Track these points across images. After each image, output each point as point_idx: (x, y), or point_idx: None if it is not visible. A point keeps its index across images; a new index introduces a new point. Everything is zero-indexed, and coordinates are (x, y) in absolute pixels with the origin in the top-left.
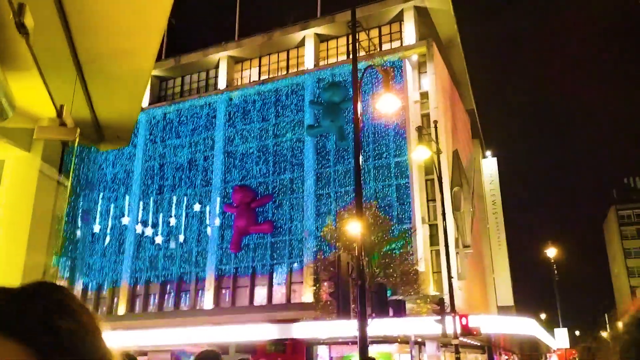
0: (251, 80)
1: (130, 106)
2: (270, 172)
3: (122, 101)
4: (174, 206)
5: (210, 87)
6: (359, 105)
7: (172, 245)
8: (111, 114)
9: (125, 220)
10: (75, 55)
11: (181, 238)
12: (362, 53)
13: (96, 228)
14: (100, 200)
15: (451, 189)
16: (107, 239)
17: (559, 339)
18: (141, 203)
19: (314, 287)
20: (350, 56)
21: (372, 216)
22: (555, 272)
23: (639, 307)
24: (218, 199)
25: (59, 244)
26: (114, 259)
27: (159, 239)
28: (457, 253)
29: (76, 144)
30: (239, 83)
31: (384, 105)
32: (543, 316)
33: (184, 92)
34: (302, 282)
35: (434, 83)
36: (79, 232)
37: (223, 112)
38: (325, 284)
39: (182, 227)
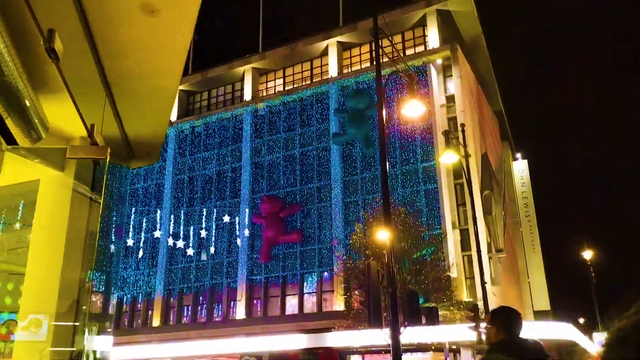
0: (276, 91)
1: (159, 123)
2: (298, 181)
3: (150, 119)
4: (204, 218)
5: (236, 99)
6: (384, 112)
7: (204, 257)
8: (140, 131)
9: (158, 234)
10: (104, 77)
11: (212, 250)
12: (385, 59)
13: (130, 242)
14: (132, 215)
15: (481, 192)
16: (140, 252)
17: (598, 343)
18: (172, 216)
19: (345, 296)
20: (374, 63)
21: (401, 223)
22: (593, 274)
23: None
24: (247, 210)
25: (94, 259)
26: (147, 272)
27: (190, 251)
28: (489, 258)
29: (107, 162)
30: (264, 94)
31: (410, 110)
32: (582, 320)
33: (211, 105)
34: (332, 291)
35: (459, 86)
36: (112, 247)
37: (249, 124)
38: (356, 292)
39: (213, 238)
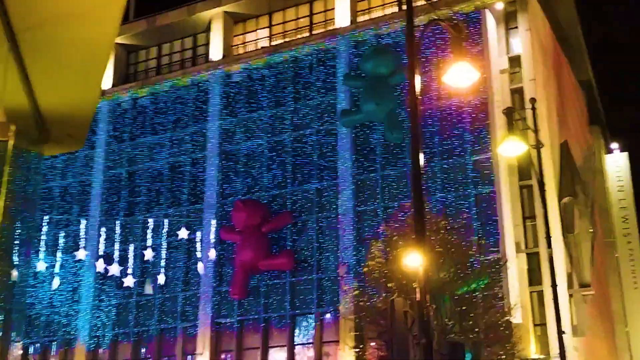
0: (258, 48)
1: (86, 90)
2: (289, 180)
3: (73, 84)
4: (149, 233)
5: (200, 59)
6: (418, 80)
7: (148, 289)
8: (59, 103)
9: (81, 254)
10: (6, 21)
11: (161, 279)
12: (420, 2)
13: (40, 266)
14: (45, 226)
15: (559, 200)
16: (56, 281)
17: None
18: (103, 229)
19: (357, 350)
20: (403, 8)
21: (440, 242)
22: None
23: None
24: (213, 222)
25: None
26: (65, 310)
27: (128, 281)
28: (570, 296)
29: (10, 147)
30: (241, 52)
31: (455, 78)
32: None
33: (162, 67)
34: (337, 342)
35: (528, 43)
36: (15, 273)
37: (218, 95)
38: (373, 343)
39: (162, 262)
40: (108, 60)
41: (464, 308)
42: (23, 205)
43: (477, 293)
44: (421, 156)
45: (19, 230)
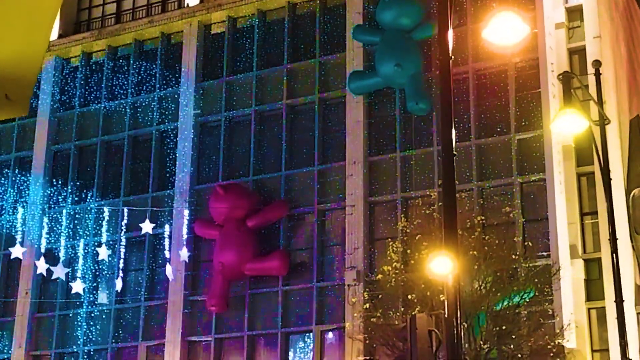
0: None
1: (30, 41)
2: (282, 160)
3: (13, 30)
4: (104, 226)
5: (171, 5)
6: (450, 35)
7: (103, 298)
8: None
9: (17, 252)
10: None
11: (118, 284)
12: None
13: None
14: None
15: (627, 192)
16: None
17: None
18: (45, 220)
19: None
20: None
21: (475, 244)
22: None
23: None
24: (186, 212)
25: None
26: None
27: (77, 286)
28: (638, 314)
29: None
30: None
31: (498, 33)
32: None
33: (123, 14)
34: None
35: None
36: None
37: (195, 53)
38: None
39: (121, 264)
40: (59, 3)
41: (503, 327)
42: None
43: (520, 309)
44: (453, 133)
45: None
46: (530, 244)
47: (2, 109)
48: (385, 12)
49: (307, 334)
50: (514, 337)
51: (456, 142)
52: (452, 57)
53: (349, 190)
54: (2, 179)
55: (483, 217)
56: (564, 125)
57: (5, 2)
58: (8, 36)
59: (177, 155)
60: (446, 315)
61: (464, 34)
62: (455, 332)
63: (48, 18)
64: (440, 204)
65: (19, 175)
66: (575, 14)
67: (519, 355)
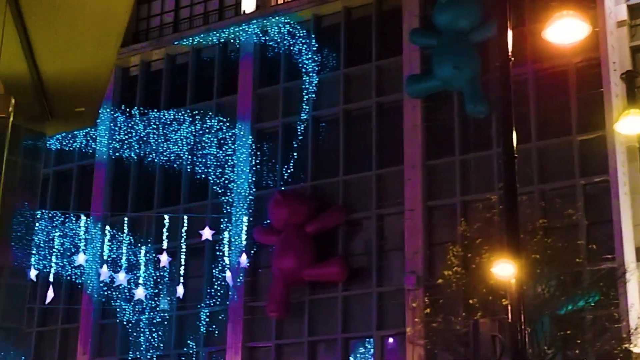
0: None
1: (99, 55)
2: (340, 166)
3: (83, 46)
4: (165, 233)
5: (228, 11)
6: (510, 36)
7: (164, 304)
8: (65, 70)
9: (81, 259)
10: None
11: (179, 291)
12: None
13: (31, 273)
14: (36, 224)
15: None
16: (50, 293)
17: None
18: (107, 228)
19: None
20: None
21: (537, 247)
22: None
23: None
24: (245, 219)
25: None
26: (62, 329)
27: (139, 293)
28: None
29: (9, 125)
30: (280, 1)
31: (558, 33)
32: None
33: (180, 23)
34: None
35: None
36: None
37: (252, 57)
38: None
39: (180, 270)
40: (128, 15)
41: (568, 332)
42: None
43: (585, 313)
44: (514, 135)
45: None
46: (594, 246)
47: (73, 122)
48: (442, 14)
49: (368, 340)
50: (578, 341)
51: (516, 144)
52: (512, 58)
53: (407, 195)
54: (64, 187)
55: (545, 220)
56: (628, 126)
57: (74, 21)
58: (77, 52)
59: (235, 161)
60: (509, 320)
61: (523, 35)
62: (519, 337)
63: (116, 32)
64: (500, 207)
65: (81, 184)
66: (637, 11)
67: (586, 359)
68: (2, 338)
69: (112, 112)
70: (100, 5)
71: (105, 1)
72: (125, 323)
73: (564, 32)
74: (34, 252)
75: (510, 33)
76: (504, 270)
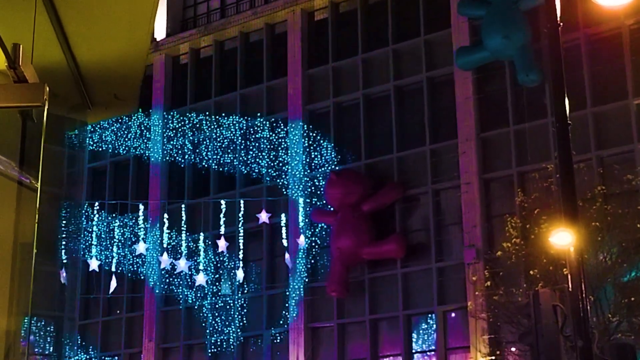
0: None
1: (132, 38)
2: (394, 141)
3: (117, 31)
4: (222, 218)
5: None
6: (558, 0)
7: (226, 288)
8: (101, 56)
9: (142, 248)
10: None
11: (239, 275)
12: None
13: (93, 264)
14: (96, 215)
15: None
16: (113, 282)
17: None
18: (165, 216)
19: (493, 358)
20: None
21: (597, 215)
22: None
23: None
24: (301, 200)
25: (29, 294)
26: (125, 317)
27: (200, 279)
28: None
29: (45, 113)
30: None
31: None
32: None
33: (227, 8)
34: (467, 347)
35: None
36: (63, 273)
37: (299, 42)
38: (513, 349)
39: (239, 254)
40: None
41: (632, 299)
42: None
43: None
44: (566, 103)
45: (65, 221)
46: None
47: (113, 108)
48: None
49: (430, 315)
50: None
51: (571, 111)
52: (561, 23)
53: (463, 168)
54: (120, 177)
55: (604, 187)
56: None
57: (108, 9)
58: (111, 36)
59: (289, 143)
60: (571, 290)
61: (574, 2)
62: (580, 305)
63: (148, 15)
64: (557, 176)
65: (138, 173)
66: None
67: None
68: (69, 329)
69: (165, 101)
70: None
71: None
72: (188, 309)
73: None
74: (94, 243)
75: (558, 2)
76: (563, 239)
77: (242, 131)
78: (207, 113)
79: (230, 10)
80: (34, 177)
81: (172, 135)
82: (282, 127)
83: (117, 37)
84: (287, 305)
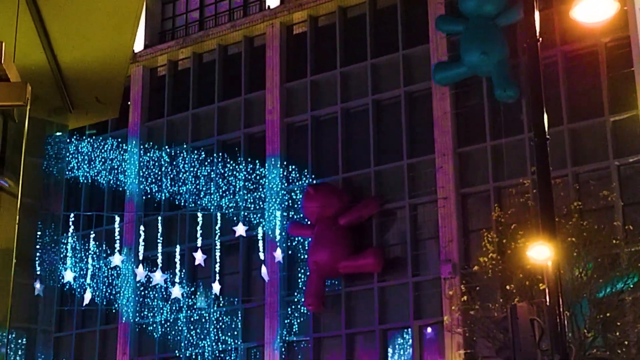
0: None
1: (116, 43)
2: (372, 156)
3: (101, 33)
4: (199, 230)
5: (252, 7)
6: (537, 17)
7: (201, 302)
8: (83, 58)
9: (116, 260)
10: None
11: (216, 287)
12: None
13: (67, 276)
14: (71, 225)
15: None
16: (87, 295)
17: None
18: (142, 227)
19: None
20: None
21: (573, 230)
22: None
23: None
24: (278, 213)
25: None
26: (99, 332)
27: (176, 291)
28: None
29: (27, 114)
30: None
31: (586, 13)
32: None
33: (205, 20)
34: None
35: None
36: (38, 285)
37: (277, 55)
38: None
39: (216, 267)
40: (143, 1)
41: (608, 315)
42: (44, 200)
43: (624, 295)
44: (545, 118)
45: (40, 232)
46: (631, 227)
47: (95, 112)
48: (468, 0)
49: (406, 330)
50: (619, 324)
51: (548, 127)
52: (540, 39)
53: (440, 183)
54: (97, 188)
55: (580, 203)
56: None
57: (92, 12)
58: (94, 37)
59: (266, 156)
60: (547, 304)
61: (551, 16)
62: (557, 320)
63: (132, 18)
64: (534, 191)
65: (114, 185)
66: None
67: (626, 343)
68: (43, 341)
69: (142, 113)
70: None
71: None
72: (163, 322)
73: (592, 11)
74: (69, 254)
75: (537, 15)
76: (540, 254)
77: (219, 143)
78: (184, 125)
79: (209, 22)
80: (13, 183)
81: (148, 146)
82: (260, 140)
83: (100, 39)
84: (263, 319)
